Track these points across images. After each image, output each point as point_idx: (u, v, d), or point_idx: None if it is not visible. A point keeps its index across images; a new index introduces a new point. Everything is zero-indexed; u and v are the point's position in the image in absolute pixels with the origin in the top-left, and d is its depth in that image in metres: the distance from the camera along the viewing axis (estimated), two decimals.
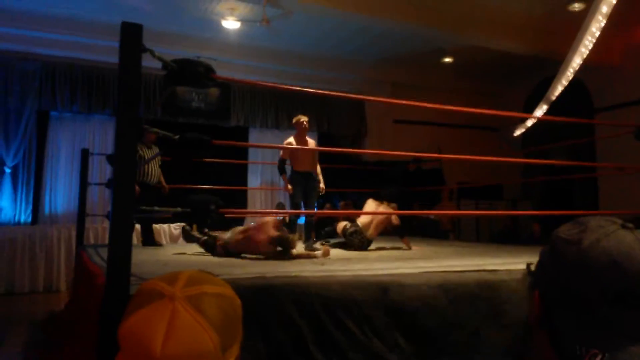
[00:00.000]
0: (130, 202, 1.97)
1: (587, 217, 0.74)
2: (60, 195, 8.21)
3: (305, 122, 5.12)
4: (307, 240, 4.95)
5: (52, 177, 8.18)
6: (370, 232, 4.96)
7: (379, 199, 5.36)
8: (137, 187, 5.16)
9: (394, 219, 5.03)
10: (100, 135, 8.58)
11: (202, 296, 0.76)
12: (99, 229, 7.62)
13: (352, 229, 4.92)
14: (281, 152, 5.17)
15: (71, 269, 6.51)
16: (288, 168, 5.17)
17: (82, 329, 2.94)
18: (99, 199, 8.33)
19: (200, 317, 0.73)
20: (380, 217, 4.93)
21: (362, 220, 5.02)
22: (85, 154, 5.81)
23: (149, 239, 5.73)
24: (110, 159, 5.28)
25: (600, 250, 0.66)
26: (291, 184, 5.03)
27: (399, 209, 6.80)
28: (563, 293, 0.68)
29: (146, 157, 5.39)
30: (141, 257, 3.79)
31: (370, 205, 5.34)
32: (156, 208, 2.12)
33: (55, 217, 8.09)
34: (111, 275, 1.93)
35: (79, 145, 8.08)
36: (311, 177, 5.07)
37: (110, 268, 1.94)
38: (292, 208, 5.16)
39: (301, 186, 5.00)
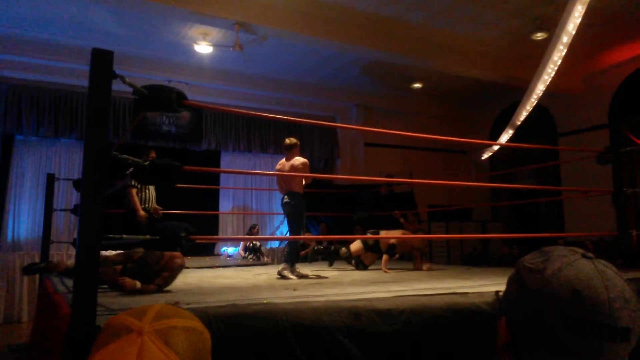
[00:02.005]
0: (97, 228, 1.92)
1: (551, 247, 0.76)
2: (24, 221, 7.95)
3: (285, 144, 4.88)
4: (290, 266, 4.77)
5: (16, 202, 7.93)
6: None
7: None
8: (144, 214, 5.08)
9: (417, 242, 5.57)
10: (66, 159, 8.40)
11: (171, 330, 0.75)
12: (64, 256, 7.38)
13: (393, 243, 5.46)
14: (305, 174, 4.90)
15: (34, 299, 6.27)
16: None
17: None
18: (65, 225, 8.10)
19: (170, 351, 0.72)
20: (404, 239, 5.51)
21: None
22: (51, 179, 5.66)
23: None
24: (76, 184, 5.16)
25: (562, 279, 0.68)
26: (302, 206, 4.70)
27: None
28: (527, 320, 0.70)
29: (147, 185, 5.25)
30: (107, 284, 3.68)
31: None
32: (124, 236, 2.07)
33: (18, 244, 7.82)
34: (77, 305, 1.87)
35: (44, 169, 7.88)
36: (284, 199, 4.88)
37: (75, 298, 1.88)
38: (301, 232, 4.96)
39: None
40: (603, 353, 0.65)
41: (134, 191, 5.09)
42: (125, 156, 2.11)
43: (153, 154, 5.40)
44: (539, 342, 0.68)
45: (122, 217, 5.18)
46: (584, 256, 0.72)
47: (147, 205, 5.29)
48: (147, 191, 5.30)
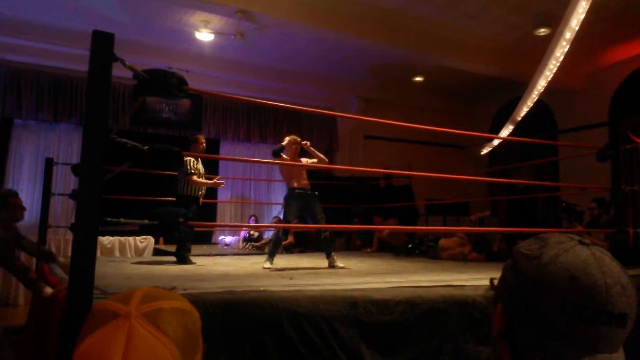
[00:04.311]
0: (95, 213, 1.92)
1: (547, 234, 0.77)
2: None
3: (293, 144, 5.04)
4: (329, 256, 4.80)
5: (14, 186, 7.90)
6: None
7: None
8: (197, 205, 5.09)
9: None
10: (65, 144, 8.37)
11: (159, 312, 0.74)
12: (62, 241, 7.39)
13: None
14: (280, 169, 5.09)
15: None
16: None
17: (42, 345, 2.84)
18: (62, 210, 8.09)
19: (159, 333, 0.71)
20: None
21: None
22: (49, 163, 5.65)
23: (181, 257, 5.03)
24: (75, 169, 5.14)
25: (558, 265, 0.69)
26: (286, 202, 4.92)
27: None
28: (523, 307, 0.70)
29: (200, 170, 5.19)
30: (104, 269, 3.69)
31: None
32: (122, 220, 2.07)
33: None
34: (73, 288, 1.88)
35: (43, 154, 7.86)
36: (309, 194, 4.95)
37: (72, 281, 1.88)
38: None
39: (297, 203, 4.86)
40: (600, 339, 0.65)
41: (195, 177, 5.05)
42: (124, 140, 2.10)
43: (202, 146, 5.34)
44: (535, 329, 0.69)
45: (174, 204, 5.10)
46: (580, 242, 0.72)
47: (201, 192, 5.25)
48: (202, 177, 5.26)
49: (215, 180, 5.32)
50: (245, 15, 6.42)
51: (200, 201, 5.26)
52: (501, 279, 0.78)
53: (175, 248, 5.15)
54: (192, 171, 4.99)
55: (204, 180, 5.16)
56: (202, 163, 5.26)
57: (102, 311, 0.74)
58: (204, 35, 7.38)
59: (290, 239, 7.90)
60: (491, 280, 0.83)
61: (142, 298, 0.75)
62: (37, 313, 3.40)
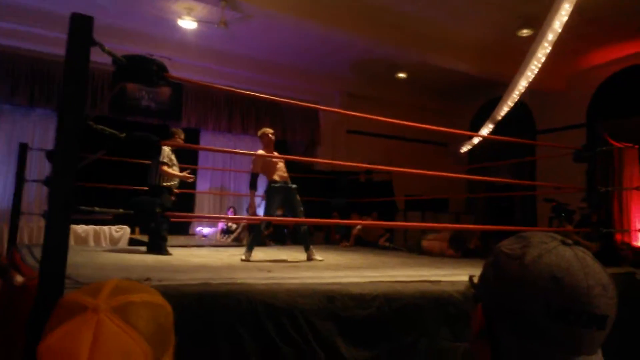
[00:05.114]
0: (68, 201, 1.87)
1: (529, 232, 0.76)
2: None
3: (271, 135, 5.01)
4: (308, 249, 4.81)
5: None
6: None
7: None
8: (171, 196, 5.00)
9: None
10: (41, 130, 8.17)
11: (129, 306, 0.71)
12: (34, 229, 7.22)
13: None
14: (252, 166, 5.01)
15: None
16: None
17: (10, 335, 2.77)
18: (35, 197, 7.91)
19: (129, 327, 0.68)
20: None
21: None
22: (23, 149, 5.50)
23: (158, 246, 4.92)
24: (50, 155, 5.02)
25: (542, 266, 0.68)
26: (267, 196, 4.89)
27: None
28: (505, 307, 0.70)
29: (174, 161, 5.16)
30: (77, 259, 3.62)
31: None
32: (96, 209, 2.02)
33: None
34: (44, 277, 1.83)
35: (17, 139, 7.65)
36: (289, 187, 4.95)
37: (43, 269, 1.84)
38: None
39: (279, 197, 4.86)
40: (580, 340, 0.65)
41: (166, 167, 4.98)
42: (100, 127, 2.05)
43: (181, 134, 5.35)
44: (516, 329, 0.68)
45: (146, 194, 5.02)
46: (563, 243, 0.72)
47: (173, 182, 5.18)
48: (174, 168, 5.19)
49: (184, 173, 5.25)
50: (229, 3, 6.34)
51: (175, 191, 5.22)
52: (481, 278, 0.77)
53: (148, 238, 5.08)
54: (165, 160, 4.95)
55: (173, 172, 5.11)
56: (182, 153, 5.23)
57: (70, 303, 0.72)
58: (187, 23, 7.27)
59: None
60: (470, 277, 0.82)
61: (112, 291, 0.73)
62: (6, 302, 3.32)
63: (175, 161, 5.19)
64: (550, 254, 0.69)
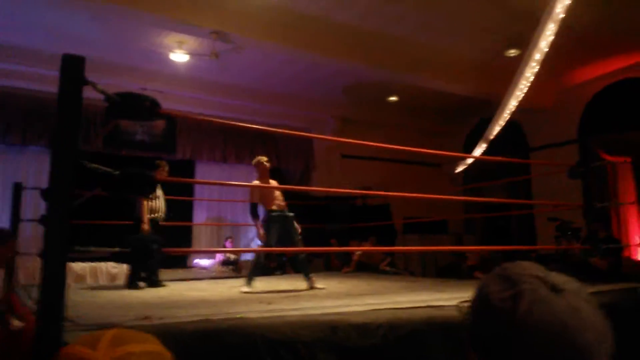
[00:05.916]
0: (64, 240, 1.85)
1: (514, 270, 0.73)
2: None
3: (265, 162, 4.99)
4: (308, 278, 4.77)
5: None
6: None
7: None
8: (147, 227, 4.92)
9: None
10: (35, 168, 8.14)
11: (129, 357, 0.70)
12: (31, 269, 7.12)
13: None
14: (249, 197, 5.01)
15: None
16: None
17: None
18: (32, 236, 7.83)
19: None
20: None
21: None
22: (18, 188, 5.48)
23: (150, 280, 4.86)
24: (45, 193, 4.99)
25: (536, 321, 0.66)
26: (266, 226, 4.84)
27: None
28: (500, 358, 0.68)
29: (157, 194, 5.15)
30: (75, 298, 3.56)
31: None
32: (92, 249, 1.99)
33: None
34: (42, 322, 1.79)
35: (11, 178, 7.62)
36: (287, 216, 4.92)
37: (41, 314, 1.80)
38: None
39: (278, 226, 4.83)
40: None
41: (145, 201, 4.94)
42: (95, 165, 2.04)
43: (165, 166, 5.38)
44: None
45: (131, 228, 4.98)
46: (553, 289, 0.69)
47: (157, 214, 5.14)
48: (156, 200, 5.16)
49: (152, 215, 5.18)
50: (220, 36, 6.41)
51: (160, 223, 5.19)
52: (474, 326, 0.74)
53: (129, 271, 4.94)
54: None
55: (144, 211, 5.02)
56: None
57: (69, 356, 0.70)
58: (179, 57, 7.34)
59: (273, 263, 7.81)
60: (458, 306, 0.80)
61: (111, 341, 0.71)
62: (4, 348, 3.24)
63: (158, 193, 5.17)
64: (542, 304, 0.67)
